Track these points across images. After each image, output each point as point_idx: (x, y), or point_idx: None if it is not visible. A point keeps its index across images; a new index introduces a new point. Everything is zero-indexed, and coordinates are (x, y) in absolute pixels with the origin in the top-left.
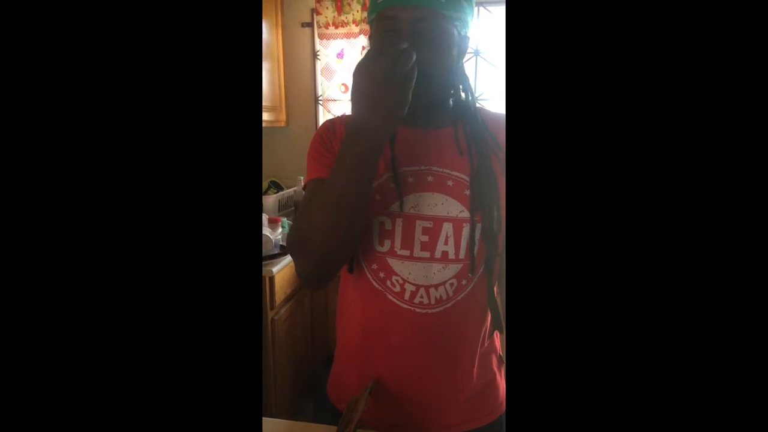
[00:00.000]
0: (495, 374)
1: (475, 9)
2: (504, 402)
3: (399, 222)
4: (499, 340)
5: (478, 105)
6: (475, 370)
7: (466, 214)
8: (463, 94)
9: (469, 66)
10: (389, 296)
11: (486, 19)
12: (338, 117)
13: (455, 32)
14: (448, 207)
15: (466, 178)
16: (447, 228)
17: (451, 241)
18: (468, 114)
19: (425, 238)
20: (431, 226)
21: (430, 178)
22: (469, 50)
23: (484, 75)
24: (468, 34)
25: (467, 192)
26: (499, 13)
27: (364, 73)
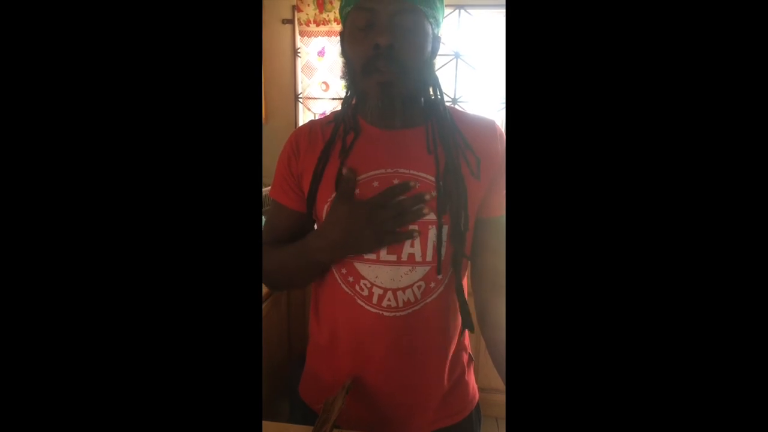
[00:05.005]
0: (465, 372)
1: (456, 12)
2: (474, 399)
3: None
4: (468, 338)
5: (448, 105)
6: (446, 369)
7: (432, 215)
8: (432, 95)
9: (449, 69)
10: (358, 300)
11: (466, 22)
12: (310, 123)
13: (430, 30)
14: None
15: (433, 178)
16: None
17: (417, 243)
18: (437, 113)
19: None
20: None
21: (395, 181)
22: (449, 53)
23: (464, 78)
24: (439, 35)
25: (434, 193)
26: (480, 16)
27: (362, 209)
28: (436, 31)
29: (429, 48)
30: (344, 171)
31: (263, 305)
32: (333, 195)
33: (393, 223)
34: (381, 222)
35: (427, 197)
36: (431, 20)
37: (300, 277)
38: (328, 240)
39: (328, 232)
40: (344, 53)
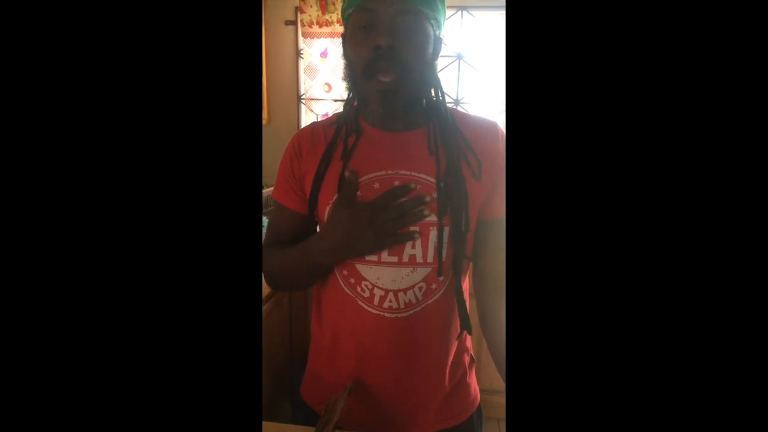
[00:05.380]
0: (467, 374)
1: (459, 13)
2: (476, 400)
3: None
4: (470, 340)
5: (450, 106)
6: (447, 371)
7: (432, 217)
8: (434, 96)
9: (451, 70)
10: (359, 302)
11: (469, 24)
12: (312, 125)
13: (431, 31)
14: None
15: (434, 180)
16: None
17: (418, 244)
18: (439, 114)
19: None
20: None
21: (396, 183)
22: (451, 54)
23: (467, 79)
24: (441, 36)
25: (434, 194)
26: (482, 17)
27: (363, 211)
28: (437, 33)
29: (430, 49)
30: (346, 174)
31: (265, 306)
32: (334, 197)
33: (394, 224)
34: (382, 224)
35: (428, 199)
36: (432, 21)
37: (302, 278)
38: (329, 242)
39: (330, 234)
40: (346, 54)
